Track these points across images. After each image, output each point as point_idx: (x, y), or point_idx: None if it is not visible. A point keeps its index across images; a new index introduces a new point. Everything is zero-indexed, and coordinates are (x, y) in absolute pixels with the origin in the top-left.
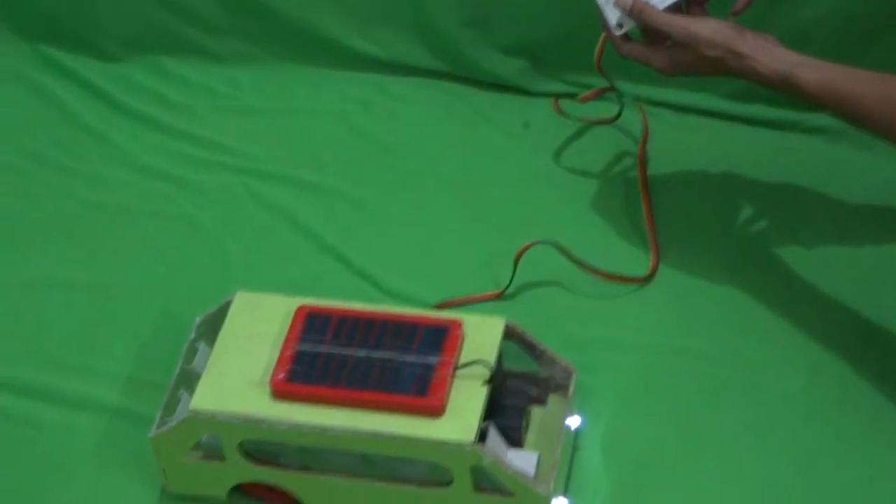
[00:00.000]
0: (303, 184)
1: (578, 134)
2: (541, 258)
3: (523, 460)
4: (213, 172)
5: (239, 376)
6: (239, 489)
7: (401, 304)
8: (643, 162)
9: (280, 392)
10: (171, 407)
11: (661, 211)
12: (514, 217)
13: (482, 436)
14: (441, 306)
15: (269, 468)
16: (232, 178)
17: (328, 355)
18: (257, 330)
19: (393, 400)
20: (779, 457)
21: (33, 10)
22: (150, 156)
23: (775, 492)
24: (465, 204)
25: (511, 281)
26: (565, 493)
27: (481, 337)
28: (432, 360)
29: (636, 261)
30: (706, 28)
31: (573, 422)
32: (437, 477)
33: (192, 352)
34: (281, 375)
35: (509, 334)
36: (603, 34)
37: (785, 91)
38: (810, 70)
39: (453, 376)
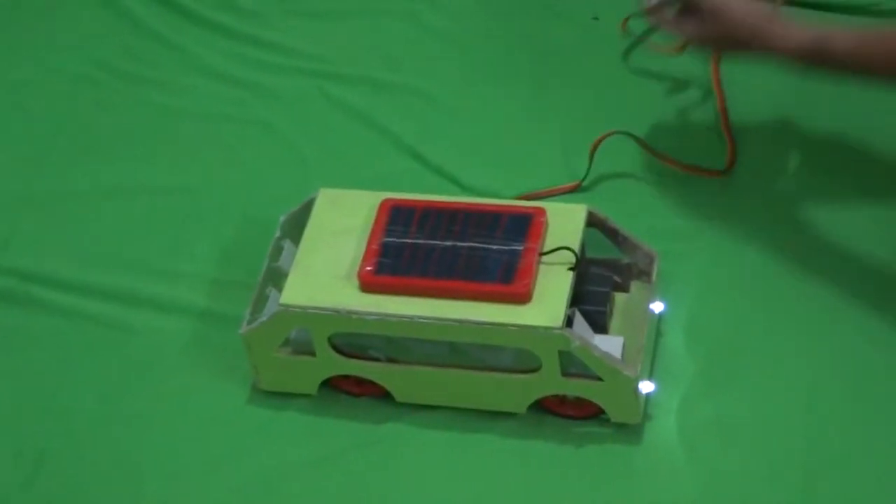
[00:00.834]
0: (375, 83)
1: (649, 29)
2: (617, 149)
3: (609, 345)
4: (286, 76)
5: (326, 271)
6: (327, 384)
7: (480, 197)
8: (717, 59)
9: (368, 284)
10: (259, 304)
11: (736, 108)
12: (588, 110)
13: (568, 321)
14: (521, 199)
15: (358, 361)
16: (304, 81)
17: (414, 246)
18: (342, 225)
19: (480, 288)
20: (860, 335)
21: None
22: (222, 62)
23: (858, 370)
24: (539, 97)
25: (588, 172)
26: (650, 377)
27: (564, 224)
28: (517, 247)
29: (712, 154)
30: (739, 4)
31: (657, 307)
32: (524, 364)
33: (278, 250)
34: (368, 268)
35: (591, 221)
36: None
37: (817, 60)
38: (841, 35)
39: (539, 263)
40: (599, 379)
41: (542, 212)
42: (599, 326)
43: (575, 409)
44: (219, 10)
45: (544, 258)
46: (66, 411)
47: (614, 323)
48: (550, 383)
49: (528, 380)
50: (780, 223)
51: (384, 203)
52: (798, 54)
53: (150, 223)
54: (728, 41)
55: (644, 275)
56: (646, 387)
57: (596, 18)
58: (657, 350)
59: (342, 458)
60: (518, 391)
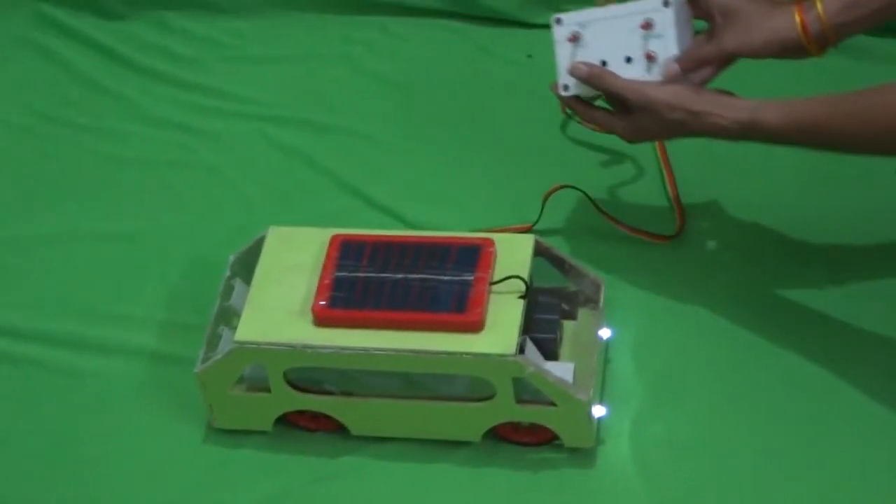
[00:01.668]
0: (315, 126)
1: None
2: (565, 199)
3: (561, 371)
4: (227, 120)
5: (280, 307)
6: (283, 420)
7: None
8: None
9: (322, 318)
10: (213, 343)
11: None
12: (529, 148)
13: (520, 349)
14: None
15: (313, 395)
16: (245, 125)
17: (366, 279)
18: (293, 261)
19: (433, 318)
20: (803, 354)
21: None
22: (162, 108)
23: (802, 387)
24: (479, 137)
25: (539, 217)
26: (601, 401)
27: (512, 254)
28: (468, 277)
29: (661, 218)
30: (663, 91)
31: (604, 333)
32: (478, 392)
33: (229, 289)
34: (322, 302)
35: (538, 251)
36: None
37: (752, 138)
38: (771, 110)
39: (489, 292)
40: (553, 404)
41: (490, 242)
42: (550, 353)
43: (529, 436)
44: (157, 57)
45: (495, 287)
46: (17, 458)
47: (564, 350)
48: (505, 410)
49: (483, 408)
50: (726, 269)
51: (334, 238)
52: (733, 134)
53: (94, 268)
54: (661, 133)
55: (591, 302)
56: (598, 411)
57: (530, 56)
58: (606, 375)
59: (301, 493)
60: (473, 419)
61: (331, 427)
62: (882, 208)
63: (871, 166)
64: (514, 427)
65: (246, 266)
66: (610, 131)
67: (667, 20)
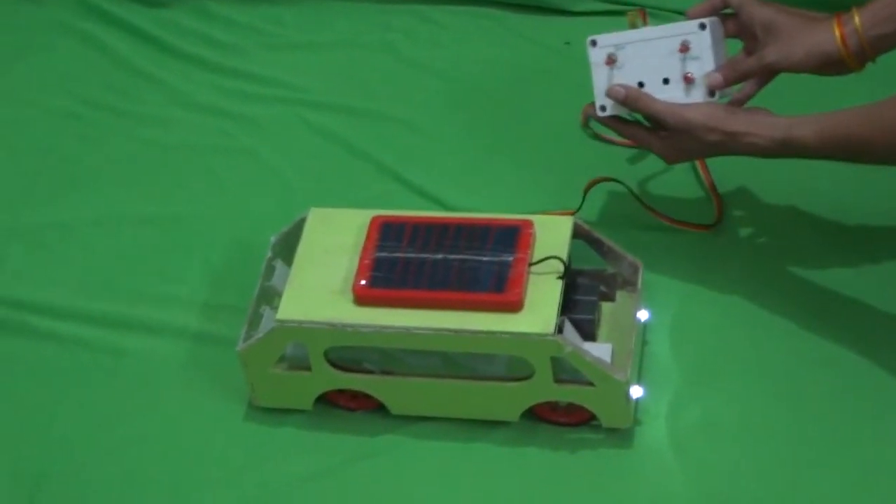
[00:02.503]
0: (355, 111)
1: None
2: (605, 190)
3: (599, 351)
4: (268, 106)
5: (321, 286)
6: (322, 399)
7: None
8: None
9: (363, 298)
10: (254, 322)
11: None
12: (566, 136)
13: (559, 329)
14: None
15: (353, 374)
16: (286, 111)
17: (406, 260)
18: (334, 242)
19: (472, 298)
20: (842, 336)
21: None
22: (204, 94)
23: (840, 370)
24: (517, 124)
25: (581, 205)
26: (639, 382)
27: (551, 235)
28: (507, 258)
29: (700, 209)
30: (699, 113)
31: (642, 315)
32: (516, 372)
33: (270, 270)
34: (363, 282)
35: (577, 233)
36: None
37: (789, 155)
38: (804, 126)
39: (529, 273)
40: (591, 384)
41: (529, 223)
42: (588, 334)
43: (566, 416)
44: (198, 44)
45: (533, 268)
46: (63, 436)
47: (602, 331)
48: (543, 390)
49: (521, 387)
50: (762, 254)
51: (374, 220)
52: (770, 153)
53: (138, 251)
54: (699, 153)
55: (629, 284)
56: (635, 391)
57: (568, 43)
58: (643, 357)
59: (340, 471)
60: (511, 399)
61: (370, 406)
62: None
63: None
64: (552, 407)
65: (287, 247)
66: (647, 149)
67: (703, 42)
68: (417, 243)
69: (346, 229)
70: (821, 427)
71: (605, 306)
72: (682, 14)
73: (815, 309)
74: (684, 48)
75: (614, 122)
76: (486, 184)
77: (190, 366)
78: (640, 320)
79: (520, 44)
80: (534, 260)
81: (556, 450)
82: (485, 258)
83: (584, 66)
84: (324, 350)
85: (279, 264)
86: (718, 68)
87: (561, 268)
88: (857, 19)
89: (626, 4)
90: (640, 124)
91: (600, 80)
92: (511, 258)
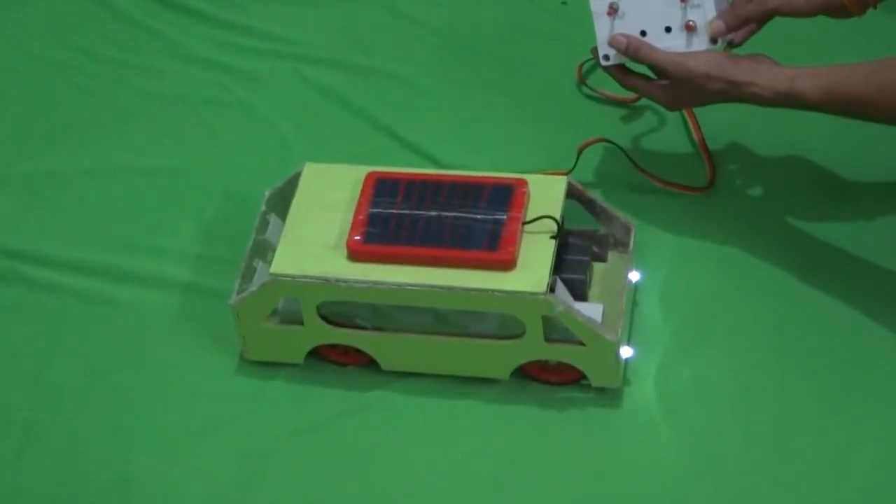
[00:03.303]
0: (352, 67)
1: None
2: (598, 151)
3: (590, 311)
4: (264, 60)
5: (315, 241)
6: (314, 353)
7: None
8: None
9: (356, 253)
10: (247, 276)
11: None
12: (564, 93)
13: (550, 288)
14: None
15: (346, 329)
16: (282, 65)
17: (400, 216)
18: (329, 197)
19: (466, 255)
20: (830, 297)
21: None
22: (200, 47)
23: (828, 330)
24: (513, 83)
25: (575, 166)
26: (628, 343)
27: (545, 195)
28: (501, 216)
29: (693, 171)
30: (701, 62)
31: (633, 276)
32: (507, 331)
33: (264, 223)
34: (356, 237)
35: (570, 193)
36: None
37: (791, 107)
38: (808, 80)
39: (522, 231)
40: (581, 344)
41: (523, 182)
42: (579, 294)
43: (556, 375)
44: None
45: (527, 227)
46: (54, 385)
47: (593, 291)
48: (534, 349)
49: (513, 345)
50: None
51: (369, 176)
52: (771, 104)
53: (132, 202)
54: (701, 101)
55: (620, 245)
56: (625, 352)
57: (565, 3)
58: (634, 317)
59: (330, 425)
60: (502, 357)
61: (361, 361)
62: None
63: None
64: (542, 366)
65: (281, 201)
66: (649, 98)
67: None
68: (412, 200)
69: (341, 185)
70: (812, 387)
71: (597, 266)
72: None
73: (807, 268)
74: None
75: (617, 70)
76: (480, 142)
77: (181, 318)
78: (631, 281)
79: (517, 2)
80: (527, 219)
81: (546, 408)
82: (478, 216)
83: (581, 26)
84: (316, 305)
85: (273, 218)
86: (719, 14)
87: (554, 227)
88: None
89: None
90: (642, 74)
91: (602, 29)
92: (505, 216)
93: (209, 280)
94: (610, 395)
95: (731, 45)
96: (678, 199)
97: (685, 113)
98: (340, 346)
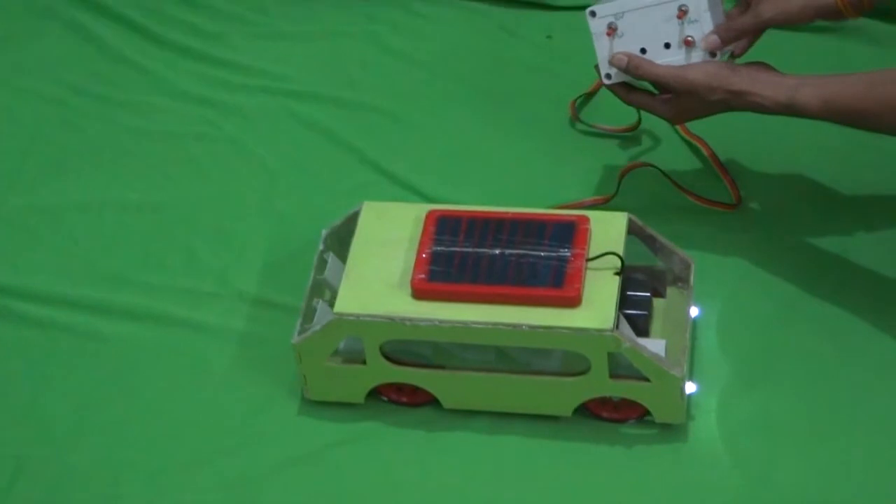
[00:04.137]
0: (339, 102)
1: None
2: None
3: (654, 347)
4: (252, 95)
5: (378, 280)
6: (373, 393)
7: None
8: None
9: (421, 291)
10: (308, 315)
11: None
12: (552, 126)
13: (615, 325)
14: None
15: (409, 368)
16: (270, 100)
17: (464, 254)
18: (389, 236)
19: (531, 293)
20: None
21: None
22: (188, 83)
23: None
24: (499, 116)
25: (616, 193)
26: (690, 378)
27: (606, 231)
28: (565, 253)
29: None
30: (701, 73)
31: (693, 311)
32: (570, 367)
33: (322, 262)
34: (421, 275)
35: (630, 229)
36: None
37: (791, 115)
38: (809, 91)
39: (586, 268)
40: (646, 379)
41: (585, 220)
42: (642, 331)
43: (617, 412)
44: (183, 33)
45: (590, 264)
46: (43, 419)
47: (654, 327)
48: (599, 385)
49: (577, 382)
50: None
51: (430, 214)
52: (772, 112)
53: (121, 237)
54: (703, 112)
55: (679, 280)
56: (689, 387)
57: (550, 37)
58: (693, 353)
59: (320, 457)
60: (567, 394)
61: (420, 400)
62: None
63: None
64: (604, 402)
65: (338, 240)
66: (652, 113)
67: (700, 5)
68: (474, 238)
69: (402, 223)
70: (869, 423)
71: (658, 302)
72: None
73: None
74: (682, 13)
75: (620, 88)
76: (468, 176)
77: (171, 351)
78: (691, 316)
79: (503, 37)
80: (590, 255)
81: (613, 444)
82: (542, 253)
83: (566, 60)
84: (380, 343)
85: (331, 257)
86: (715, 29)
87: (618, 263)
88: None
89: None
90: (645, 90)
91: (602, 49)
92: (569, 253)
93: (197, 314)
94: (674, 431)
95: (732, 56)
96: (725, 232)
97: (686, 135)
98: (400, 384)
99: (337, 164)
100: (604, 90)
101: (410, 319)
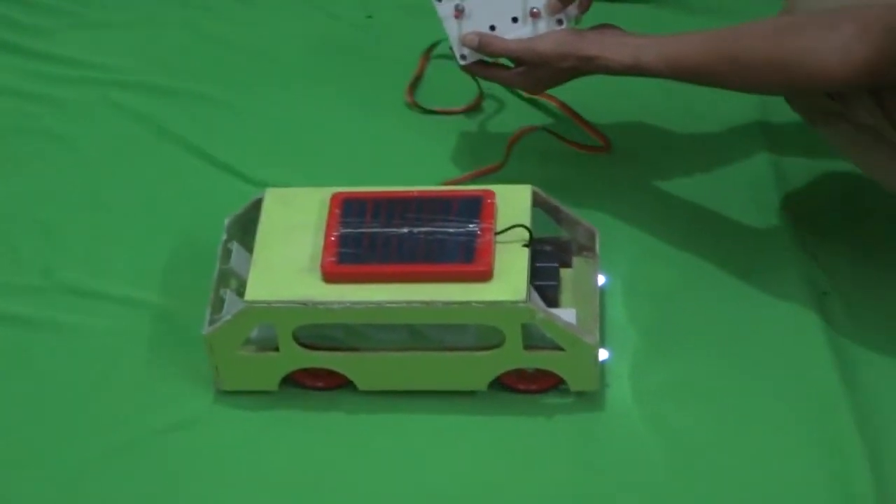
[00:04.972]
0: (160, 89)
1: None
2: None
3: (565, 316)
4: (72, 87)
5: (287, 266)
6: (287, 380)
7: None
8: None
9: (331, 275)
10: (216, 306)
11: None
12: (379, 107)
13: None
14: (447, 184)
15: (323, 353)
16: (90, 91)
17: (372, 235)
18: (295, 221)
19: (442, 269)
20: (798, 291)
21: None
22: (6, 76)
23: (793, 330)
24: (324, 96)
25: (505, 161)
26: (602, 346)
27: (512, 205)
28: (473, 228)
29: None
30: (549, 42)
31: (600, 280)
32: (485, 342)
33: (227, 252)
34: (331, 258)
35: (535, 201)
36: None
37: (639, 76)
38: (652, 51)
39: (495, 242)
40: (560, 349)
41: (491, 193)
42: (552, 300)
43: (532, 384)
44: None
45: (499, 237)
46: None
47: (564, 297)
48: (513, 357)
49: (492, 356)
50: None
51: (335, 196)
52: (620, 73)
53: None
54: (558, 80)
55: (585, 250)
56: (602, 354)
57: (370, 17)
58: (603, 321)
59: (307, 449)
60: (481, 368)
61: (335, 384)
62: None
63: None
64: (519, 375)
65: (242, 228)
66: (511, 86)
67: None
68: (381, 218)
69: (306, 207)
70: (777, 386)
71: (564, 272)
72: None
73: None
74: None
75: (478, 67)
76: (292, 157)
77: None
78: (598, 285)
79: (322, 18)
80: (499, 229)
81: (533, 416)
82: (451, 229)
83: (385, 41)
84: (293, 329)
85: (235, 246)
86: None
87: (526, 236)
88: None
89: None
90: (501, 65)
91: (453, 31)
92: (477, 228)
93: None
94: (591, 399)
95: (577, 21)
96: (626, 198)
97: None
98: (313, 369)
99: (160, 152)
100: (432, 70)
101: (323, 303)
